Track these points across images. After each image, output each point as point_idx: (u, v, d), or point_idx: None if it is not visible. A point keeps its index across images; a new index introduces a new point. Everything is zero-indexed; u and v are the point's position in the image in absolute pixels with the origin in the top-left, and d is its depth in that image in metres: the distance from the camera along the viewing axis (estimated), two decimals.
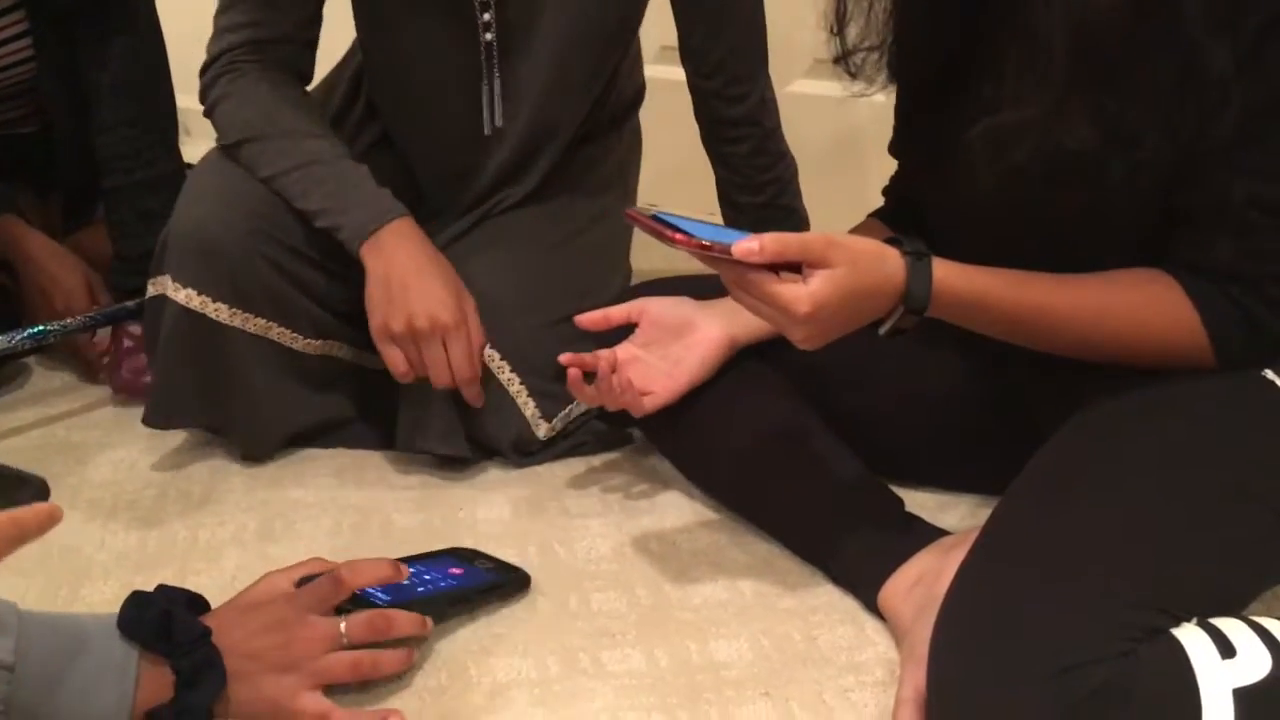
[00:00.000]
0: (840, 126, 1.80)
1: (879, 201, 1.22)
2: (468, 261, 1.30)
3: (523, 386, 1.27)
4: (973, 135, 0.93)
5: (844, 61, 1.05)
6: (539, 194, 1.39)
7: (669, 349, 1.15)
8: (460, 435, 1.26)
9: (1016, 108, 0.90)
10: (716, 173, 1.47)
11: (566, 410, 1.29)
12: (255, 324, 1.27)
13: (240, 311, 1.26)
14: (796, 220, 1.49)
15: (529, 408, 1.27)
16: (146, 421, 1.29)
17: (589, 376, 1.12)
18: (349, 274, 1.27)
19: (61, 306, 1.51)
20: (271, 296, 1.27)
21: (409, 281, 1.21)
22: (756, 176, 1.44)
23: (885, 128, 1.17)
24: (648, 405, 1.14)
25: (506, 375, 1.26)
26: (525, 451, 1.30)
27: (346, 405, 1.37)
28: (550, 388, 1.27)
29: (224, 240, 1.24)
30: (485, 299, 1.27)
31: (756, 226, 1.43)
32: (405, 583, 1.00)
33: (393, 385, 1.30)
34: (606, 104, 1.43)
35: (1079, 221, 0.97)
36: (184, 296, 1.24)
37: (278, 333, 1.28)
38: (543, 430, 1.28)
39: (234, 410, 1.29)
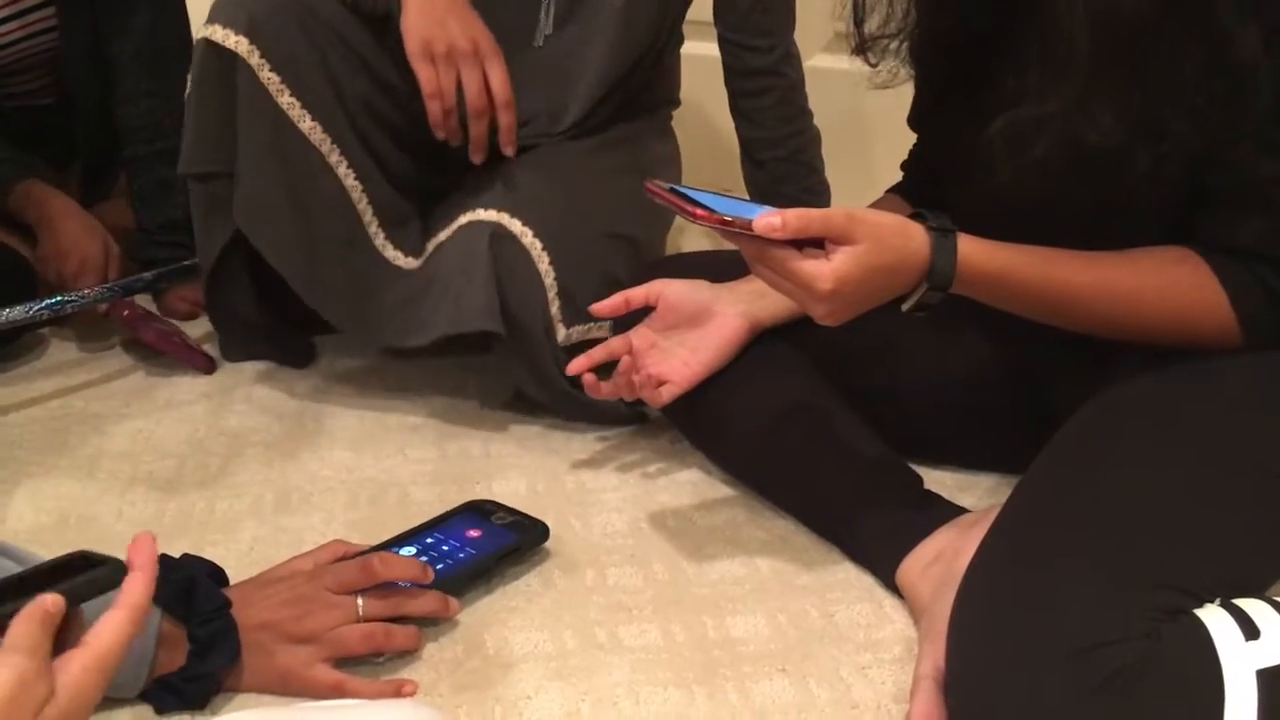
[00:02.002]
0: (859, 101, 1.78)
1: (899, 175, 1.21)
2: (514, 170, 1.32)
3: (555, 281, 1.26)
4: (992, 130, 0.92)
5: (865, 52, 1.04)
6: (586, 129, 1.40)
7: (686, 335, 1.15)
8: (499, 312, 1.24)
9: (1038, 101, 0.88)
10: (740, 133, 1.49)
11: (587, 327, 1.29)
12: (268, 77, 1.28)
13: (257, 53, 1.28)
14: (817, 180, 1.49)
15: (555, 305, 1.27)
16: (181, 168, 1.34)
17: (605, 372, 1.13)
18: (374, 70, 1.31)
19: (75, 267, 1.50)
20: (290, 57, 1.29)
21: (451, 7, 1.25)
22: (779, 129, 1.46)
23: (905, 103, 1.16)
24: (665, 396, 1.13)
25: (544, 266, 1.26)
26: (551, 356, 1.28)
27: (334, 248, 1.33)
28: (579, 292, 1.27)
29: None
30: (534, 199, 1.28)
31: (778, 184, 1.46)
32: (424, 560, 1.01)
33: (383, 277, 1.32)
34: (642, 90, 1.44)
35: (1104, 211, 0.96)
36: (210, 30, 1.29)
37: (287, 101, 1.29)
38: (561, 334, 1.28)
39: (238, 162, 1.30)
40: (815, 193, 1.50)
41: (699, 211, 0.86)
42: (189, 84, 1.32)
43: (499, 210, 1.27)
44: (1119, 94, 0.87)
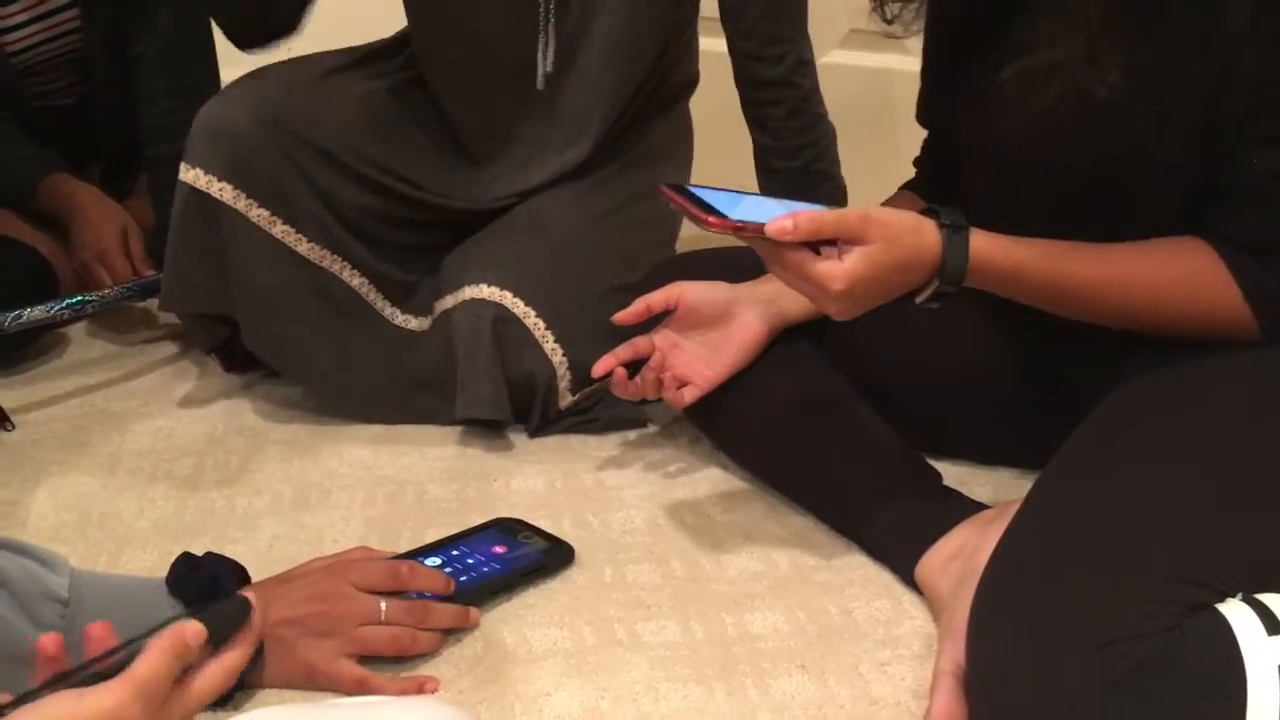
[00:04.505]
0: (875, 96, 1.78)
1: (914, 171, 1.21)
2: (510, 234, 1.31)
3: (564, 359, 1.27)
4: (1004, 76, 0.92)
5: (880, 9, 1.04)
6: (582, 167, 1.39)
7: (707, 336, 1.15)
8: (505, 400, 1.26)
9: (1048, 48, 0.89)
10: (754, 139, 1.46)
11: (593, 386, 1.29)
12: (259, 214, 1.28)
13: (244, 195, 1.27)
14: (832, 186, 1.48)
15: (564, 380, 1.27)
16: (161, 305, 1.35)
17: (632, 369, 1.13)
18: (363, 175, 1.31)
19: (91, 256, 1.51)
20: (277, 188, 1.28)
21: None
22: (793, 139, 1.43)
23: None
24: (686, 397, 1.13)
25: (550, 345, 1.26)
26: (547, 419, 1.30)
27: (359, 349, 1.34)
28: (585, 358, 1.26)
29: (235, 123, 1.28)
30: (535, 270, 1.28)
31: (792, 192, 1.44)
32: (448, 571, 1.01)
33: (405, 350, 1.34)
34: (655, 90, 1.44)
35: (1111, 182, 0.95)
36: (192, 176, 1.27)
37: (281, 230, 1.29)
38: (565, 401, 1.29)
39: (239, 305, 1.30)
40: (830, 200, 1.49)
41: (711, 220, 0.86)
42: (171, 222, 1.29)
43: (501, 289, 1.27)
44: (1128, 49, 0.87)
